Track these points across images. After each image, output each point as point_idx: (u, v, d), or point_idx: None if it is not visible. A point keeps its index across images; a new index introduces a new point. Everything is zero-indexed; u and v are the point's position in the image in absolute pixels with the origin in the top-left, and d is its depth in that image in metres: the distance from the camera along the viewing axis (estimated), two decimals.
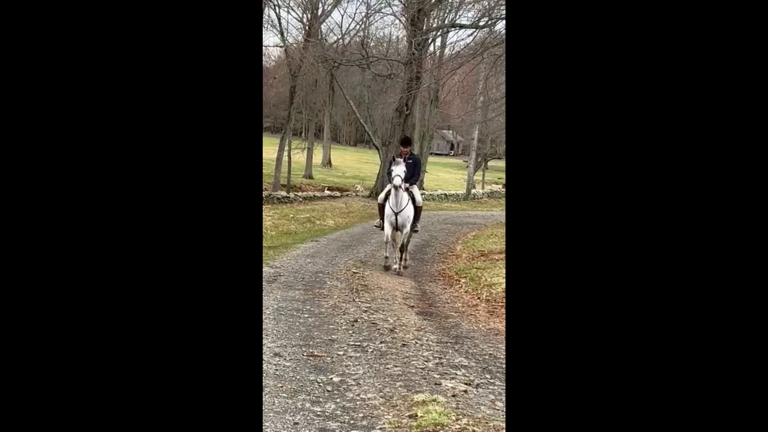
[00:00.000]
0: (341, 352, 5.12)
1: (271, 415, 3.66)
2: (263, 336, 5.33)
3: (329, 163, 44.30)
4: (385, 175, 10.67)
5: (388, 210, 10.29)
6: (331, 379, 4.43)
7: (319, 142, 44.53)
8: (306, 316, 6.28)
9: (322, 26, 31.58)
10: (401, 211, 10.18)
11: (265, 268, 8.74)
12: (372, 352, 5.22)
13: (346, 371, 4.64)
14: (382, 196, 10.72)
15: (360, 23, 30.78)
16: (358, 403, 4.01)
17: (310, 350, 5.09)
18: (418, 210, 10.57)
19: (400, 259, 10.40)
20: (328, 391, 4.18)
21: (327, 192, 27.67)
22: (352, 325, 6.05)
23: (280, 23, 29.57)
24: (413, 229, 10.64)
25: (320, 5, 30.92)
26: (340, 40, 31.98)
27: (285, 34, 29.93)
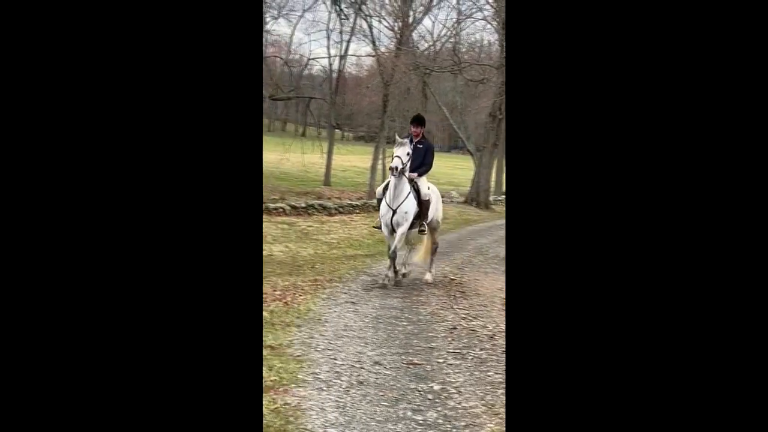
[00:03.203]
0: (441, 360, 5.09)
1: (373, 424, 3.67)
2: (363, 344, 5.36)
3: None
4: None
5: (383, 207, 8.24)
6: (432, 387, 4.41)
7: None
8: (404, 323, 6.27)
9: (413, 34, 31.67)
10: (399, 206, 8.02)
11: (363, 277, 8.80)
12: (472, 359, 5.17)
13: (447, 379, 4.61)
14: (380, 189, 8.71)
15: (451, 29, 30.70)
16: (459, 411, 3.98)
17: (410, 358, 5.08)
18: (424, 204, 8.36)
19: (389, 267, 8.34)
20: (429, 399, 4.16)
21: None
22: (451, 332, 6.01)
23: (371, 32, 29.84)
24: (420, 229, 8.60)
25: (411, 13, 31.04)
26: (432, 47, 32.00)
27: (377, 43, 30.21)
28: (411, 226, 8.30)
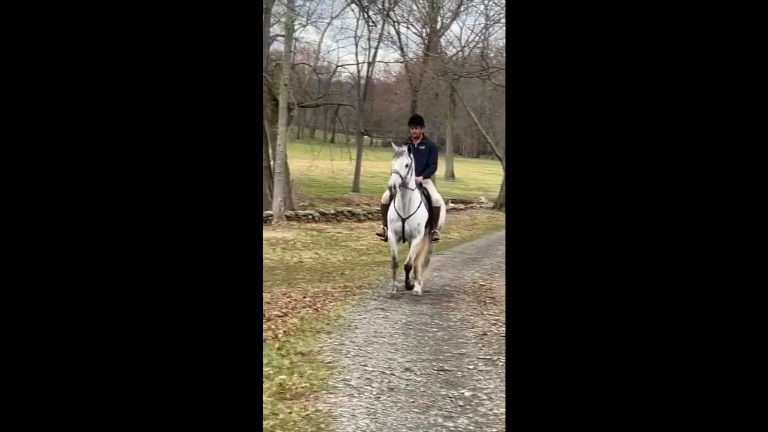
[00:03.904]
0: (471, 366, 5.07)
1: (404, 430, 3.66)
2: (393, 351, 5.36)
3: (452, 175, 44.32)
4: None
5: (392, 213, 7.64)
6: (463, 393, 4.39)
7: (441, 155, 44.61)
8: (434, 330, 6.26)
9: (441, 40, 31.72)
10: (410, 216, 7.51)
11: (391, 282, 8.81)
12: (503, 365, 5.13)
13: (478, 385, 4.59)
14: (386, 195, 7.87)
15: (479, 35, 30.70)
16: (491, 417, 3.95)
17: (440, 364, 5.07)
18: (435, 212, 7.92)
19: (409, 278, 7.90)
20: (460, 405, 4.14)
21: (451, 204, 27.63)
22: (482, 339, 5.98)
23: (399, 39, 29.99)
24: (432, 238, 8.07)
25: (439, 19, 31.10)
26: (460, 53, 32.02)
27: (405, 50, 30.31)
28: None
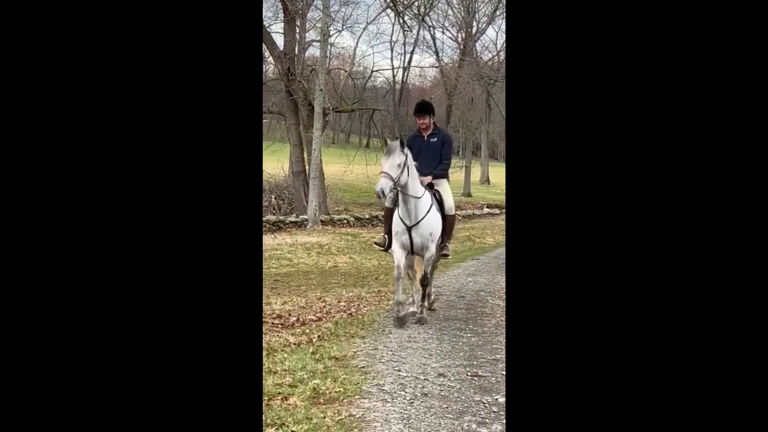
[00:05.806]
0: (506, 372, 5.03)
1: None
2: (427, 356, 5.35)
3: (488, 180, 44.15)
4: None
5: (397, 223, 6.22)
6: (497, 399, 4.36)
7: (476, 159, 44.51)
8: (469, 335, 6.23)
9: (477, 44, 31.68)
10: (418, 223, 6.11)
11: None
12: None
13: None
14: (390, 198, 6.25)
15: None
16: None
17: (474, 370, 5.04)
18: (449, 220, 6.55)
19: (423, 298, 6.66)
20: (494, 411, 4.11)
21: (486, 209, 27.51)
22: None
23: (435, 44, 30.00)
24: (443, 253, 6.68)
25: (474, 23, 31.05)
26: (495, 57, 31.90)
27: (440, 54, 30.30)
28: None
